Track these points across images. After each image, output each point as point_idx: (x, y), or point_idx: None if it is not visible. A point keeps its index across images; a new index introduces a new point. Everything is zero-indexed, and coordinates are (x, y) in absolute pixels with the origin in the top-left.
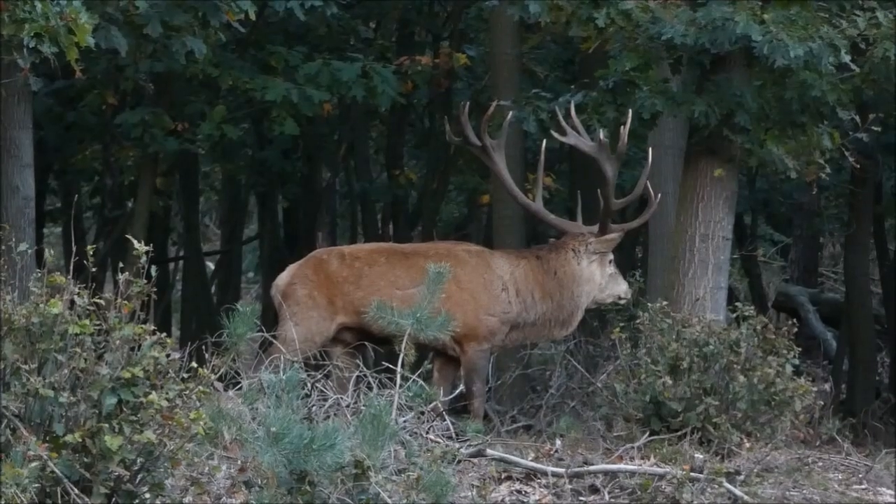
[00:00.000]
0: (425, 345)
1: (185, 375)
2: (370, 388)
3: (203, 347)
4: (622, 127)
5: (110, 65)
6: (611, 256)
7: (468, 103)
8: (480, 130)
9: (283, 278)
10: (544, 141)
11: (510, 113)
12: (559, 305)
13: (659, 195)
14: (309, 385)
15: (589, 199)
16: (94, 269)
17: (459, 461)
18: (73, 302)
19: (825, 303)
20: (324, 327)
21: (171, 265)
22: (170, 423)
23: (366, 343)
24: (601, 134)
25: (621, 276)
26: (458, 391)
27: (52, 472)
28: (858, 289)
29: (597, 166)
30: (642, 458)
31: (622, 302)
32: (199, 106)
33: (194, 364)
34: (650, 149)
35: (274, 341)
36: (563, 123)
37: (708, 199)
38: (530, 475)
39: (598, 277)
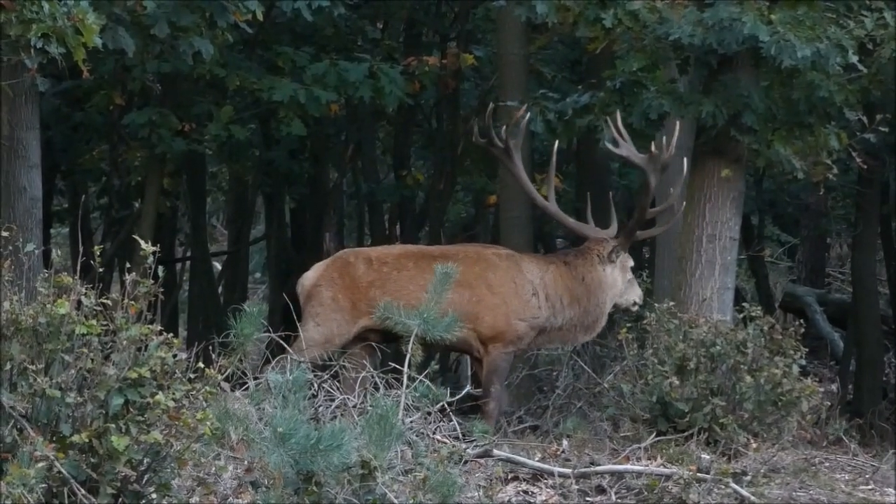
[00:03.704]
0: (453, 346)
1: (192, 376)
2: (377, 389)
3: (210, 348)
4: (665, 138)
5: (117, 65)
6: (631, 262)
7: (493, 106)
8: (504, 133)
9: (308, 278)
10: (556, 144)
11: (528, 115)
12: (585, 311)
13: (684, 204)
14: (316, 385)
15: (596, 200)
16: (101, 270)
17: (466, 461)
18: (80, 302)
19: (832, 303)
20: (345, 330)
21: (178, 265)
22: (176, 423)
23: (373, 343)
24: (653, 147)
25: (636, 282)
26: (465, 391)
27: (59, 472)
28: (866, 289)
29: (644, 176)
30: (649, 459)
31: (634, 308)
32: (207, 106)
33: (201, 364)
34: (685, 158)
35: (283, 344)
36: (616, 135)
37: (715, 199)
38: (537, 475)
39: (619, 283)
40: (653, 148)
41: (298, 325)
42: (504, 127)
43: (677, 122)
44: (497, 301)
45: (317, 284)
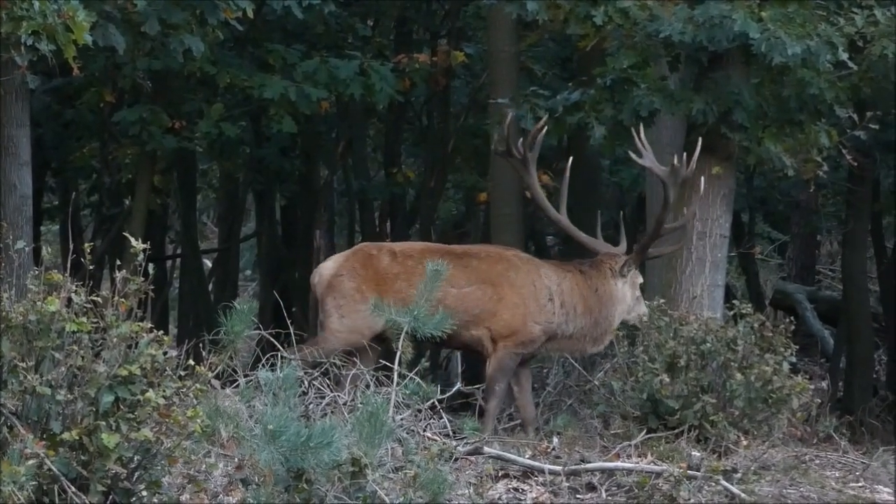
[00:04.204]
0: (465, 344)
1: (183, 373)
2: (367, 386)
3: (200, 345)
4: (686, 154)
5: (108, 62)
6: (640, 279)
7: (512, 115)
8: (522, 145)
9: (328, 268)
10: (570, 159)
11: (545, 129)
12: (596, 322)
13: (695, 220)
14: (306, 383)
15: (586, 197)
16: (91, 267)
17: (456, 459)
18: (70, 300)
19: (822, 300)
20: (372, 322)
21: (169, 263)
22: (167, 420)
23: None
24: (675, 160)
25: (643, 299)
26: (455, 388)
27: (50, 469)
28: (856, 286)
29: (663, 190)
30: (639, 456)
31: (637, 324)
32: (197, 104)
33: (191, 362)
34: (703, 178)
35: (273, 341)
36: (640, 145)
37: (705, 196)
38: (527, 473)
39: (629, 299)
40: (675, 161)
41: (289, 321)
42: (521, 139)
43: (699, 139)
44: (517, 301)
45: (337, 275)
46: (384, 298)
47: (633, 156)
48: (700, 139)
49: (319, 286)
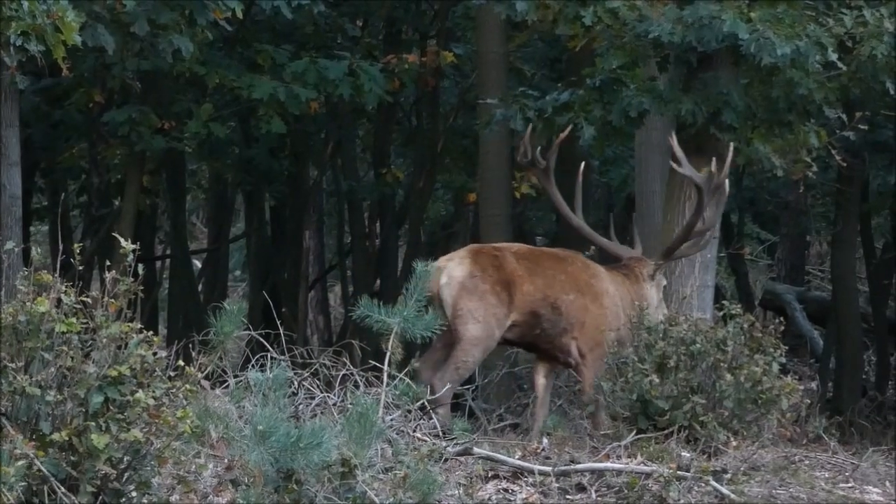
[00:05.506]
0: (551, 353)
1: (172, 374)
2: (357, 387)
3: (190, 346)
4: (714, 160)
5: (97, 63)
6: (664, 282)
7: (532, 127)
8: (540, 155)
9: (458, 270)
10: (582, 164)
11: (556, 137)
12: (630, 327)
13: (717, 226)
14: (296, 383)
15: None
16: (80, 268)
17: (446, 459)
18: (59, 300)
19: (812, 301)
20: (502, 327)
21: (158, 263)
22: (157, 421)
23: (352, 342)
24: (713, 165)
25: (664, 303)
26: (445, 388)
27: (39, 470)
28: (845, 287)
29: (698, 195)
30: (629, 457)
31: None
32: (186, 104)
33: (181, 362)
34: (726, 181)
35: (263, 341)
36: (678, 154)
37: (695, 197)
38: (517, 473)
39: (655, 302)
40: (713, 167)
41: (278, 321)
42: (538, 148)
43: (731, 145)
44: (599, 311)
45: (472, 276)
46: (514, 300)
47: (673, 164)
48: (732, 145)
49: (450, 288)
